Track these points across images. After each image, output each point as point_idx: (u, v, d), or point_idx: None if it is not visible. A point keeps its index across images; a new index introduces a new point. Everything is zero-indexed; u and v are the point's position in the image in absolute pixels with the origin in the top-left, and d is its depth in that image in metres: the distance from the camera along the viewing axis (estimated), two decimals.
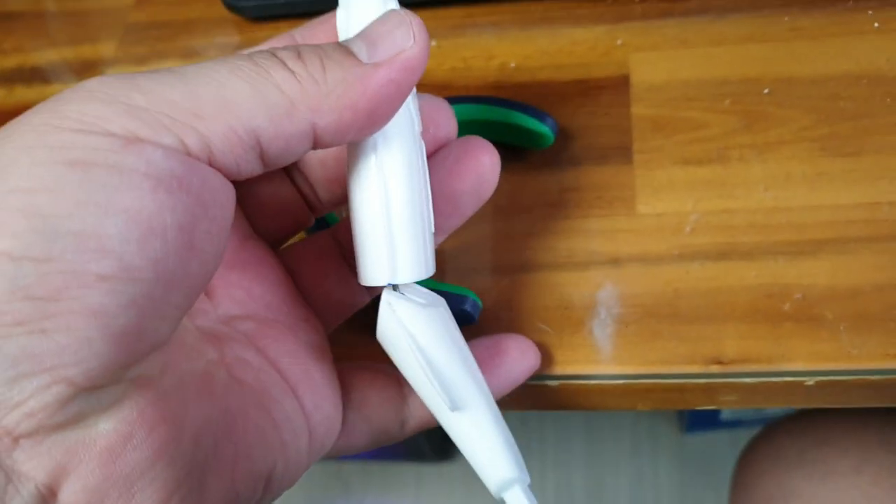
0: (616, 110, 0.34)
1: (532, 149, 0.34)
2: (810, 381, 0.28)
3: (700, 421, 0.96)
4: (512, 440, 0.24)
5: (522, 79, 0.36)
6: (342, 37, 0.23)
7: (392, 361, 0.24)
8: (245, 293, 0.24)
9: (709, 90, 0.34)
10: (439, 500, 1.01)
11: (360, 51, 0.20)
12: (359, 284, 0.27)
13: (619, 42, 0.36)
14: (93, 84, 0.18)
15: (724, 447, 0.97)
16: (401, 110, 0.23)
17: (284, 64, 0.19)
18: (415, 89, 0.24)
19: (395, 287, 0.24)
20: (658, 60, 0.35)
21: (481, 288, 0.31)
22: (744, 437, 0.96)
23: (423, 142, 0.24)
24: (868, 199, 0.30)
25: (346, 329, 0.31)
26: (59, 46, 0.43)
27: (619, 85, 0.35)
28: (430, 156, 0.26)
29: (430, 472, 1.02)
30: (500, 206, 0.33)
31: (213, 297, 0.24)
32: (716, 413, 0.93)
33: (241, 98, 0.18)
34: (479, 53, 0.37)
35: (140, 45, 0.42)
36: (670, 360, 0.28)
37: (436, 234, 0.25)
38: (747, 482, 0.50)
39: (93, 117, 0.17)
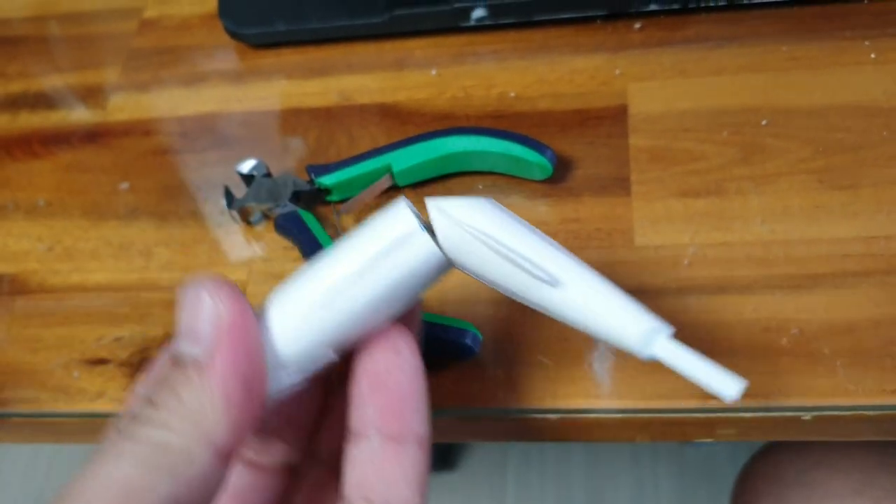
0: (614, 141, 0.35)
1: (531, 180, 0.34)
2: (807, 416, 0.28)
3: None
4: (631, 296, 0.22)
5: (522, 108, 0.36)
6: None
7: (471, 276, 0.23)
8: None
9: (706, 121, 0.34)
10: None
11: (189, 350, 0.21)
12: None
13: (617, 72, 0.36)
14: None
15: (725, 458, 0.97)
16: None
17: (150, 421, 0.20)
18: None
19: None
20: (656, 90, 0.36)
21: (482, 319, 0.31)
22: (743, 448, 0.96)
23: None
24: (865, 233, 0.30)
25: None
26: (63, 72, 0.44)
27: (618, 115, 0.35)
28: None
29: (432, 482, 1.02)
30: None
31: None
32: None
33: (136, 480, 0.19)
34: (479, 82, 0.37)
35: (143, 70, 0.42)
36: (669, 395, 0.28)
37: None
38: (746, 501, 0.50)
39: None
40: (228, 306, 0.21)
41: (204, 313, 0.21)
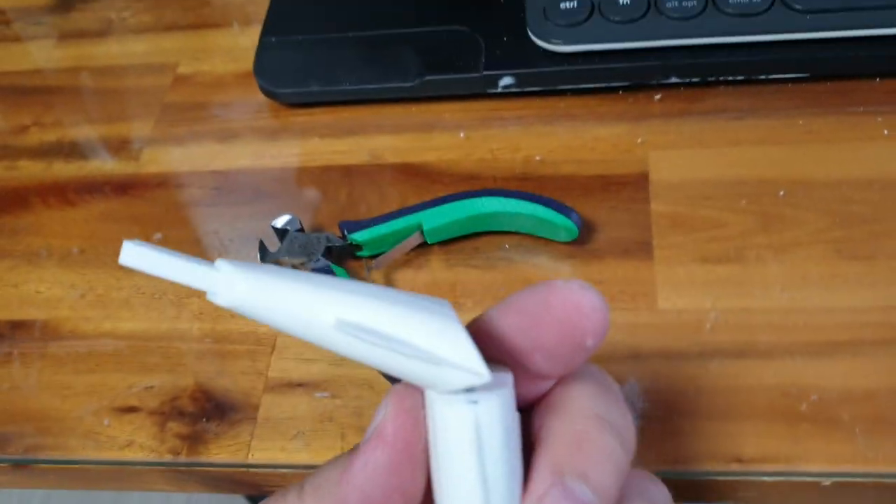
0: (636, 206, 0.36)
1: (556, 241, 0.35)
2: (827, 482, 0.28)
3: None
4: None
5: (547, 172, 0.38)
6: None
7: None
8: None
9: (725, 190, 0.36)
10: None
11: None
12: None
13: (639, 140, 0.38)
14: None
15: None
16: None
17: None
18: None
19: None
20: (676, 159, 0.37)
21: None
22: None
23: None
24: (882, 302, 0.31)
25: None
26: (97, 123, 0.45)
27: (639, 181, 0.37)
28: None
29: None
30: None
31: None
32: None
33: None
34: (505, 146, 0.39)
35: (177, 125, 0.44)
36: (692, 458, 0.29)
37: None
38: None
39: None
40: (392, 417, 0.19)
41: (376, 416, 0.20)
